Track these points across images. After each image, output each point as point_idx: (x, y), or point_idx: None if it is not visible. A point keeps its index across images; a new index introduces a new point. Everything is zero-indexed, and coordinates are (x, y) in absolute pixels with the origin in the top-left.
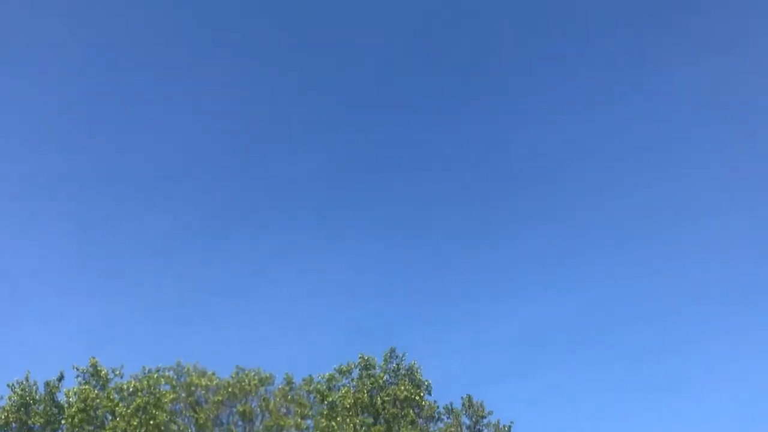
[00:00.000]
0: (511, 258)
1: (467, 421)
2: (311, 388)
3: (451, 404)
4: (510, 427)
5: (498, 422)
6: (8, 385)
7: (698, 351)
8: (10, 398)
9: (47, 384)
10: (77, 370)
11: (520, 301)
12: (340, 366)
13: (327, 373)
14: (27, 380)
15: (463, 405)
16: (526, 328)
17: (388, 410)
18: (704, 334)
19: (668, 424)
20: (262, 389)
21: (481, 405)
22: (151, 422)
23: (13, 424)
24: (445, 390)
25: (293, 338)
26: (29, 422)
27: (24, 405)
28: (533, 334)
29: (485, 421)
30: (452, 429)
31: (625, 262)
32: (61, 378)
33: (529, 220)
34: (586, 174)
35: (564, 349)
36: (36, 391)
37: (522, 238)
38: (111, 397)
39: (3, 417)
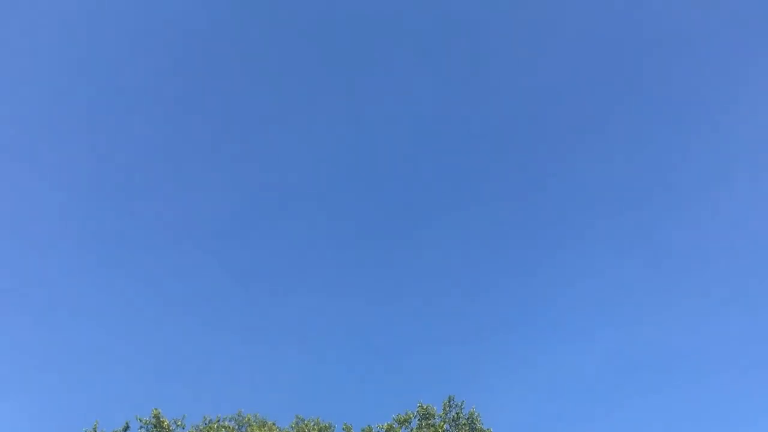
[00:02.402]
0: (575, 297)
1: None
2: None
3: None
4: None
5: None
6: None
7: None
8: None
9: None
10: (140, 421)
11: (584, 344)
12: (399, 416)
13: (386, 423)
14: (95, 430)
15: None
16: (590, 372)
17: None
18: None
19: None
20: None
21: None
22: None
23: None
24: None
25: (350, 386)
26: None
27: None
28: (598, 378)
29: None
30: None
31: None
32: (126, 429)
33: (590, 260)
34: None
35: (634, 394)
36: None
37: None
38: None
39: None
